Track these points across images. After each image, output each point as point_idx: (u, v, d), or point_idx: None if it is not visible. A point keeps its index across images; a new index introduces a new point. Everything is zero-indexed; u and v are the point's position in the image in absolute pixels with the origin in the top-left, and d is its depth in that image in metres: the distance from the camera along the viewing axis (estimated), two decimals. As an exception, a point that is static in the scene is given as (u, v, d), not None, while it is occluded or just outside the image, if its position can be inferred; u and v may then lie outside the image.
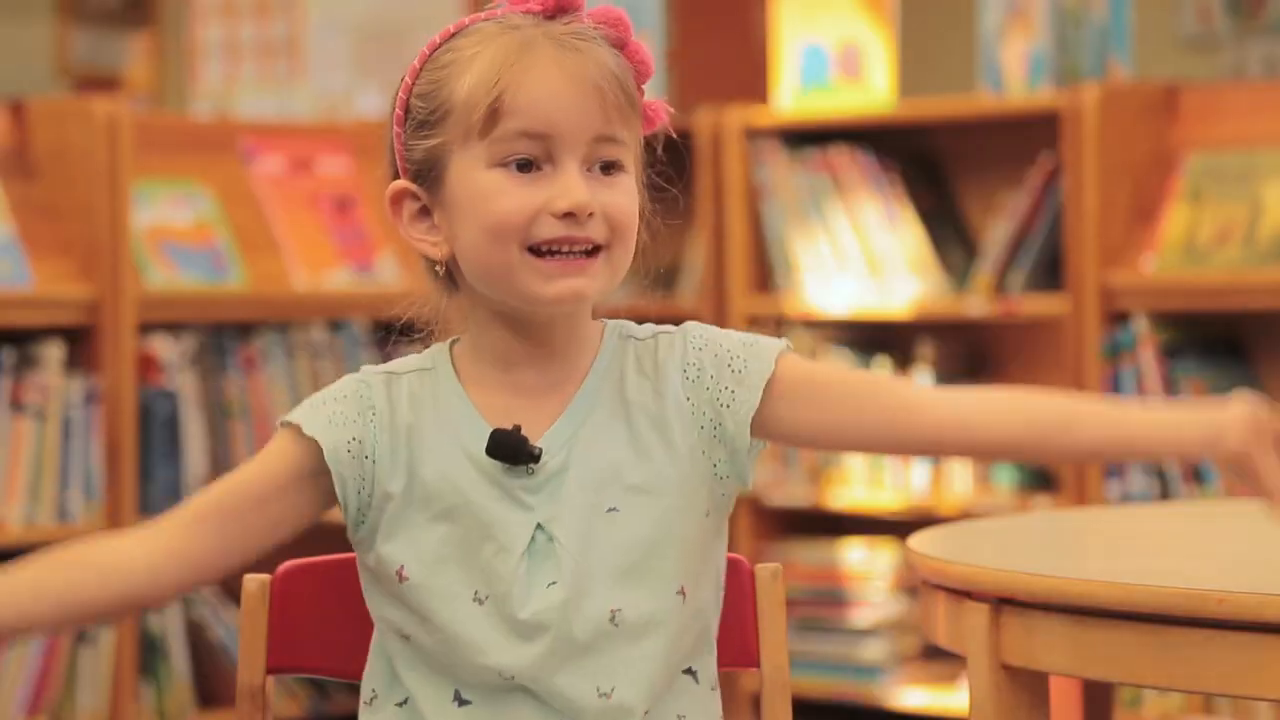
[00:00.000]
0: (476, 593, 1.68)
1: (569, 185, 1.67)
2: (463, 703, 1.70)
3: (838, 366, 1.80)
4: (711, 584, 1.75)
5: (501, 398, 1.72)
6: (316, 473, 1.71)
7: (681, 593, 1.70)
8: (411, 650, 1.71)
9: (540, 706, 1.68)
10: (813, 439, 1.75)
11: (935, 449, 1.79)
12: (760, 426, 1.72)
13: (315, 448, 1.70)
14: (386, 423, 1.71)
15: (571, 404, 1.71)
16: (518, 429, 1.69)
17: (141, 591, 1.70)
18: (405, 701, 1.72)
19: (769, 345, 1.74)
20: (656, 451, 1.71)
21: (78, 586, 1.70)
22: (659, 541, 1.70)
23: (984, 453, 1.80)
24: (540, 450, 1.69)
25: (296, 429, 1.70)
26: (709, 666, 1.75)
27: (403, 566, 1.69)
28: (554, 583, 1.68)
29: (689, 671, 1.74)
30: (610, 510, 1.69)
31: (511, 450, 1.68)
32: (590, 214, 1.68)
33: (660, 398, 1.71)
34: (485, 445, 1.68)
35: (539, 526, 1.68)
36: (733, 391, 1.71)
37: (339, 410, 1.71)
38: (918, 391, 1.79)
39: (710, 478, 1.72)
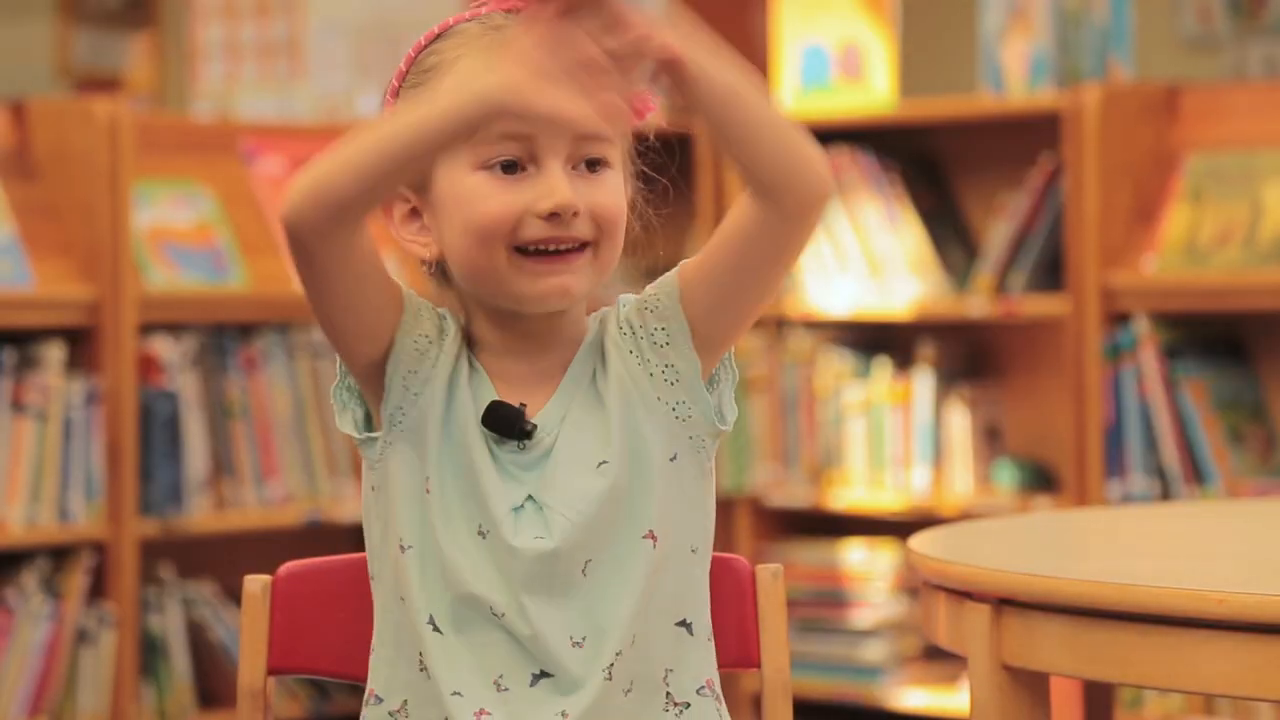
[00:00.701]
0: (480, 526, 1.71)
1: (553, 185, 1.70)
2: (437, 629, 1.72)
3: (710, 240, 1.79)
4: (694, 532, 1.76)
5: (499, 382, 1.75)
6: (393, 326, 1.73)
7: (650, 537, 1.72)
8: (407, 563, 1.72)
9: (517, 648, 1.71)
10: (741, 305, 1.74)
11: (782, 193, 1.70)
12: (703, 340, 1.74)
13: (400, 316, 1.73)
14: (454, 346, 1.74)
15: (560, 385, 1.74)
16: (523, 406, 1.72)
17: None
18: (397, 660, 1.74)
19: (670, 271, 1.76)
20: (620, 410, 1.73)
21: None
22: (625, 494, 1.72)
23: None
24: (534, 426, 1.72)
25: (401, 288, 1.74)
26: (702, 617, 1.77)
27: (429, 479, 1.72)
28: (540, 537, 1.70)
29: (682, 624, 1.75)
30: (602, 464, 1.72)
31: (506, 423, 1.72)
32: (575, 213, 1.70)
33: (609, 363, 1.75)
34: (481, 415, 1.72)
35: (529, 497, 1.72)
36: (664, 329, 1.74)
37: (426, 309, 1.74)
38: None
39: (671, 421, 1.74)
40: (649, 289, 1.76)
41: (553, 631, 1.70)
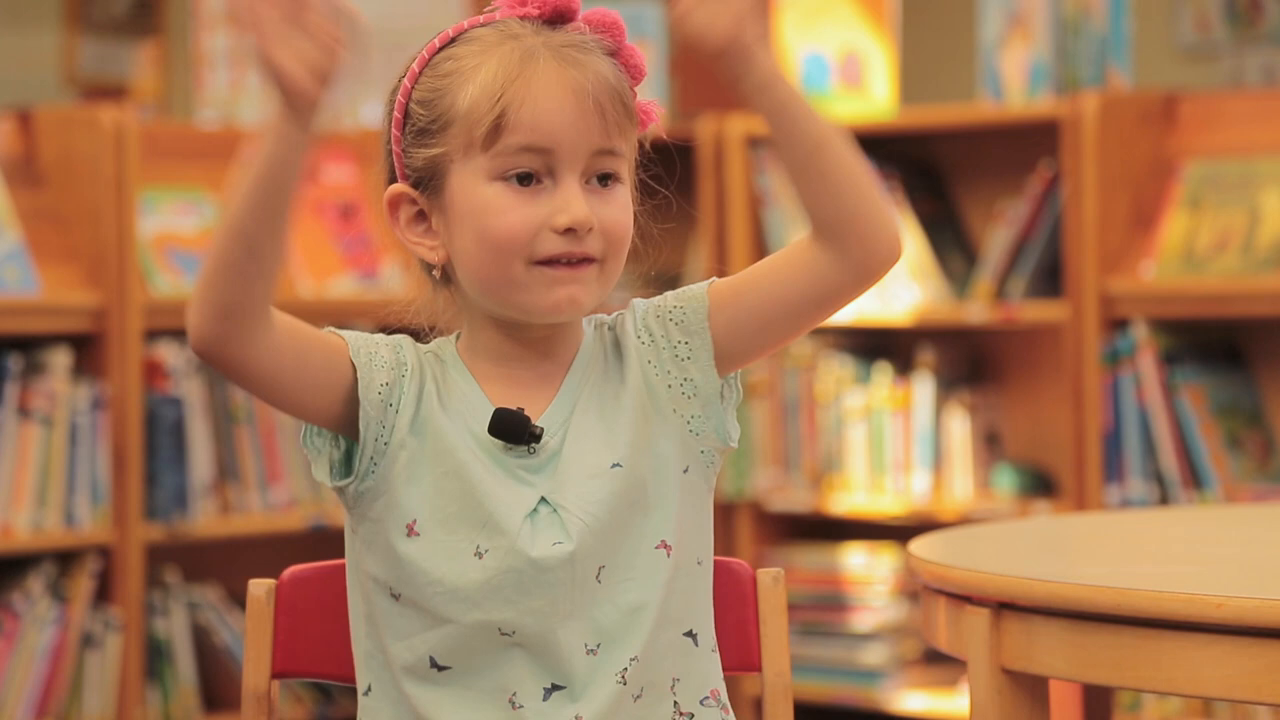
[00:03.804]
0: (478, 547, 1.70)
1: (569, 200, 1.70)
2: (441, 668, 1.72)
3: (752, 266, 1.80)
4: (701, 544, 1.77)
5: (499, 388, 1.75)
6: (349, 385, 1.72)
7: (664, 547, 1.73)
8: (398, 611, 1.72)
9: (531, 662, 1.71)
10: (772, 338, 1.75)
11: (832, 234, 1.72)
12: (724, 359, 1.75)
13: (354, 373, 1.72)
14: (415, 379, 1.73)
15: (561, 388, 1.75)
16: (521, 410, 1.72)
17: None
18: (392, 683, 1.74)
19: (697, 286, 1.76)
20: (636, 417, 1.74)
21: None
22: (638, 500, 1.73)
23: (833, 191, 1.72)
24: (542, 430, 1.72)
25: (346, 344, 1.73)
26: (707, 629, 1.78)
27: (415, 520, 1.71)
28: (559, 542, 1.71)
29: (689, 634, 1.76)
30: (615, 466, 1.72)
31: (514, 429, 1.72)
32: (590, 229, 1.71)
33: (628, 369, 1.75)
34: (488, 424, 1.71)
35: (542, 499, 1.72)
36: (686, 343, 1.75)
37: (378, 353, 1.73)
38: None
39: (685, 434, 1.75)
40: (670, 299, 1.77)
41: (567, 639, 1.71)
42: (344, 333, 1.75)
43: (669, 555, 1.74)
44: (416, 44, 1.80)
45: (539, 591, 1.71)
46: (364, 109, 4.99)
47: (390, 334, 1.78)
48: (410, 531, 1.72)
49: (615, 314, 1.79)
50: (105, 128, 4.16)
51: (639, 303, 1.79)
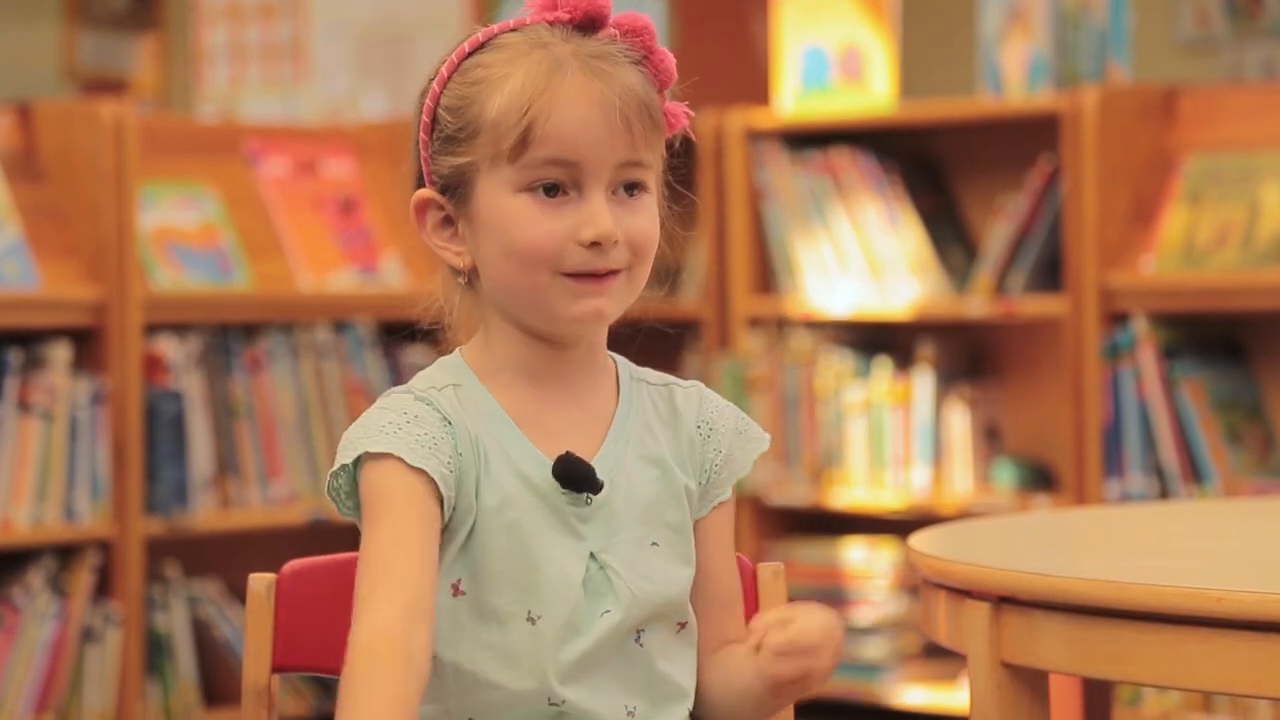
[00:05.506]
0: (530, 612, 1.69)
1: (595, 213, 1.68)
2: None
3: (729, 559, 1.81)
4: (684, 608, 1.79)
5: (535, 406, 1.73)
6: (436, 499, 1.68)
7: (681, 625, 1.75)
8: (434, 674, 1.70)
9: None
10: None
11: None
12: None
13: (427, 479, 1.67)
14: (465, 434, 1.71)
15: (609, 436, 1.74)
16: (573, 455, 1.71)
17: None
18: None
19: (756, 440, 1.84)
20: (680, 495, 1.76)
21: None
22: (682, 579, 1.75)
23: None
24: (603, 483, 1.71)
25: (399, 462, 1.66)
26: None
27: (460, 580, 1.70)
28: (608, 611, 1.70)
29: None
30: (653, 544, 1.73)
31: (579, 479, 1.70)
32: (615, 242, 1.69)
33: (678, 445, 1.77)
34: (550, 469, 1.70)
35: (591, 556, 1.71)
36: (732, 453, 1.81)
37: (425, 433, 1.69)
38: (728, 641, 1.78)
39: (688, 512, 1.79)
40: (739, 420, 1.81)
41: (611, 704, 1.71)
42: (391, 449, 1.67)
43: (680, 632, 1.76)
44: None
45: (590, 664, 1.70)
46: (364, 104, 4.99)
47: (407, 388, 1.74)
48: (455, 590, 1.70)
49: (666, 382, 1.79)
50: (105, 122, 4.16)
51: (711, 395, 1.80)
